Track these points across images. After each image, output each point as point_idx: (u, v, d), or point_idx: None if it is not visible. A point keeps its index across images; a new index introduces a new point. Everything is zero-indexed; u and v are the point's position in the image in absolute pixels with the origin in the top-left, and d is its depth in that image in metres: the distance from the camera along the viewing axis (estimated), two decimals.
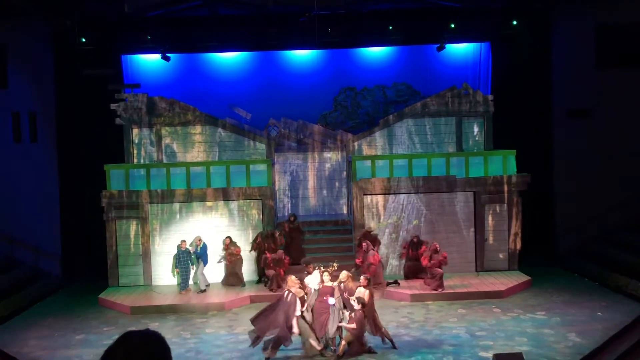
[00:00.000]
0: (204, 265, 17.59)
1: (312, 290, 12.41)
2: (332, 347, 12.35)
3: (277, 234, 17.85)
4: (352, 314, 12.05)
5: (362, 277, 12.78)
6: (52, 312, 16.68)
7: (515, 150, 19.05)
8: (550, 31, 20.96)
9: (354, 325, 11.97)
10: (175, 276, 17.98)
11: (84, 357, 12.97)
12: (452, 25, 20.29)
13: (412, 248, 17.62)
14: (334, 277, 12.60)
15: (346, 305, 12.27)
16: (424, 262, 16.78)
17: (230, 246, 17.82)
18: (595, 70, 20.69)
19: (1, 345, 13.41)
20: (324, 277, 12.39)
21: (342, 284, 12.47)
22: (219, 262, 17.89)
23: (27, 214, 20.12)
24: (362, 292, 12.36)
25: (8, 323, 15.71)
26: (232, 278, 17.95)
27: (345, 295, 12.30)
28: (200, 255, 17.56)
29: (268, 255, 16.95)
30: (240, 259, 17.93)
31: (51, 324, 15.51)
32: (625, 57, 20.69)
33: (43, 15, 19.56)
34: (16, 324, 15.66)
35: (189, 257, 17.50)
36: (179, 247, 17.49)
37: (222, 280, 18.14)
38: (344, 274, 12.61)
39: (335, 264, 13.09)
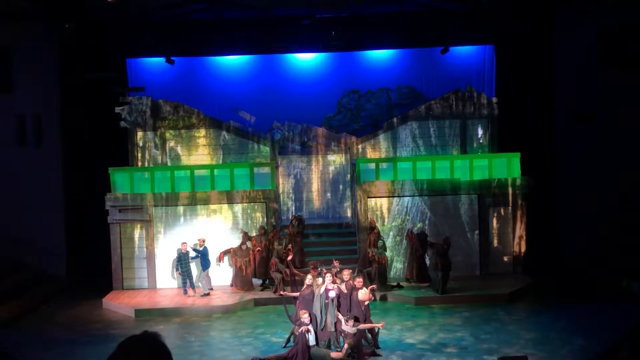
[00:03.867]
0: (207, 268, 17.53)
1: (318, 294, 12.38)
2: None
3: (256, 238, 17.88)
4: (348, 320, 12.00)
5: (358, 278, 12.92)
6: (56, 314, 16.70)
7: (520, 152, 19.03)
8: (554, 33, 20.92)
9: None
10: (177, 278, 17.97)
11: None
12: (456, 28, 20.28)
13: (421, 244, 17.53)
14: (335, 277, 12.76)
15: (340, 302, 12.34)
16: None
17: (246, 240, 17.69)
18: (599, 72, 20.63)
19: (5, 347, 13.41)
20: (326, 279, 12.41)
21: (344, 283, 12.60)
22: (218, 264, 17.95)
23: (32, 216, 20.13)
24: (364, 292, 12.44)
25: (13, 325, 15.72)
26: (242, 281, 17.72)
27: (343, 288, 12.44)
28: (202, 257, 17.51)
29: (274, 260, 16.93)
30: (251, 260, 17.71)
31: (55, 326, 15.52)
32: (629, 59, 20.62)
33: (48, 18, 19.62)
34: (21, 326, 15.68)
35: (190, 258, 17.52)
36: (179, 250, 17.49)
37: (231, 282, 18.05)
38: (347, 272, 12.82)
39: (336, 264, 13.56)
